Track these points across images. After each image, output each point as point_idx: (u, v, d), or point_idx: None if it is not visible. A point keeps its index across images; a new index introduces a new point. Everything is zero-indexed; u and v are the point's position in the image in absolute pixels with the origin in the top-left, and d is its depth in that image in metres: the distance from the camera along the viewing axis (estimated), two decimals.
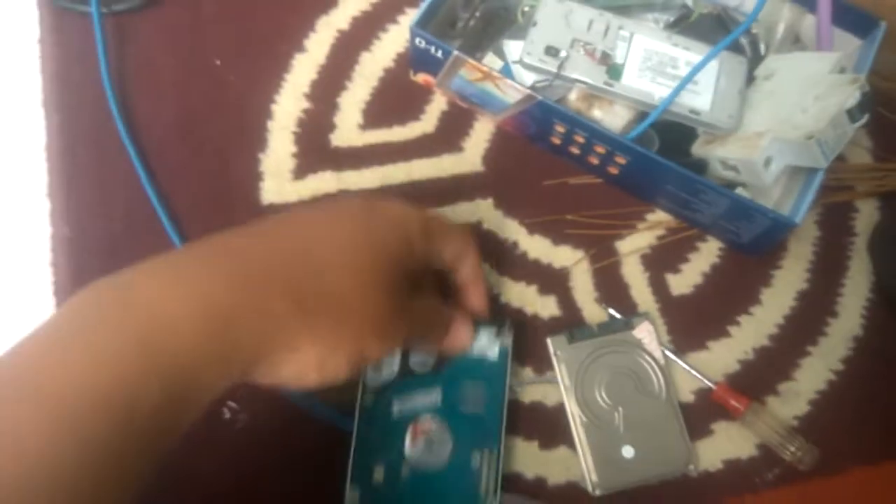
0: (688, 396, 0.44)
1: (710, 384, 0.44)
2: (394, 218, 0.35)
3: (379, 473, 0.39)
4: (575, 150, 0.47)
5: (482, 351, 0.41)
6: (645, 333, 0.44)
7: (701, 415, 0.44)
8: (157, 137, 0.48)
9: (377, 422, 0.40)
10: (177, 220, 0.46)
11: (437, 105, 0.50)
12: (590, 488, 0.42)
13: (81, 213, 0.46)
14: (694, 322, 0.46)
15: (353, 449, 0.39)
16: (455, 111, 0.50)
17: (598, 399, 0.43)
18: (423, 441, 0.40)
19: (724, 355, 0.45)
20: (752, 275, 0.47)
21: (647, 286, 0.47)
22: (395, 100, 0.50)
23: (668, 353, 0.44)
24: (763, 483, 0.43)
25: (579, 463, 0.42)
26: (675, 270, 0.47)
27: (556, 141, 0.47)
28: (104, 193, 0.46)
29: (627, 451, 0.42)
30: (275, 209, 0.47)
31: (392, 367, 0.41)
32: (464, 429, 0.40)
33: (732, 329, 0.46)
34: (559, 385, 0.43)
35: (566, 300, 0.46)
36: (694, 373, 0.44)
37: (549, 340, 0.44)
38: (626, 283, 0.47)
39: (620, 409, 0.43)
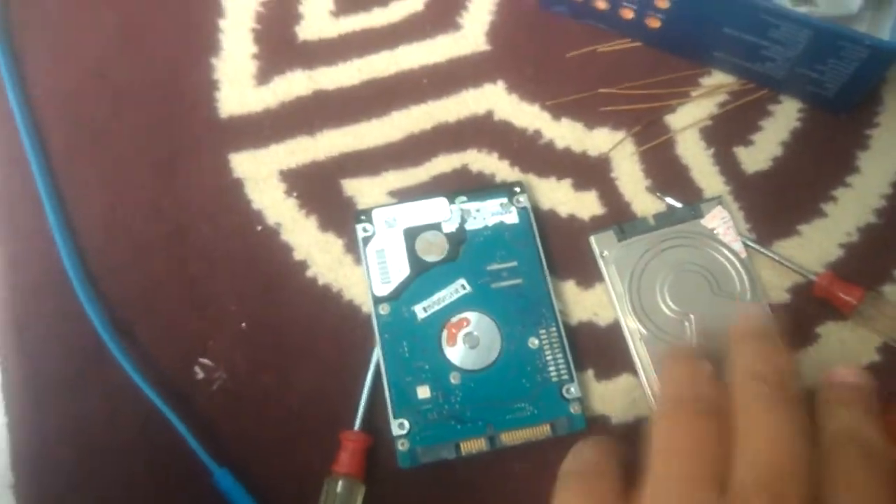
0: (781, 296, 0.34)
1: (809, 276, 0.34)
2: None
3: (424, 392, 0.32)
4: (601, 5, 0.37)
5: (498, 219, 0.34)
6: (718, 221, 0.34)
7: (801, 317, 0.34)
8: (99, 51, 0.40)
9: (402, 334, 0.33)
10: (121, 143, 0.38)
11: None
12: None
13: None
14: (778, 203, 0.36)
15: (384, 375, 0.32)
16: None
17: (661, 306, 0.33)
18: (464, 339, 0.32)
19: (822, 240, 0.35)
20: (843, 137, 0.37)
21: (713, 165, 0.37)
22: None
23: (749, 243, 0.34)
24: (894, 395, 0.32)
25: (644, 390, 0.33)
26: (747, 142, 0.37)
27: None
28: None
29: None
30: (236, 122, 0.38)
31: (402, 266, 0.33)
32: (507, 311, 0.33)
33: (828, 207, 0.36)
34: (610, 294, 0.34)
35: (609, 194, 0.36)
36: (787, 264, 0.34)
37: (592, 239, 0.35)
38: (685, 165, 0.37)
39: (692, 316, 0.33)
